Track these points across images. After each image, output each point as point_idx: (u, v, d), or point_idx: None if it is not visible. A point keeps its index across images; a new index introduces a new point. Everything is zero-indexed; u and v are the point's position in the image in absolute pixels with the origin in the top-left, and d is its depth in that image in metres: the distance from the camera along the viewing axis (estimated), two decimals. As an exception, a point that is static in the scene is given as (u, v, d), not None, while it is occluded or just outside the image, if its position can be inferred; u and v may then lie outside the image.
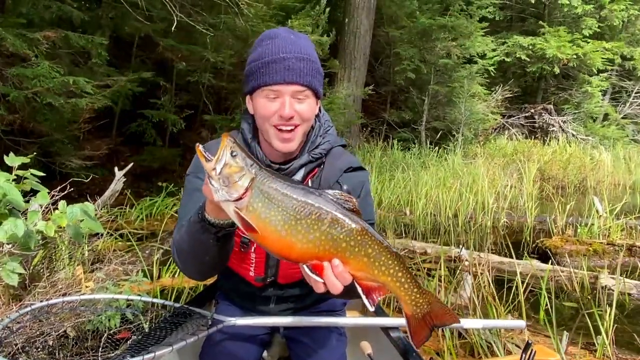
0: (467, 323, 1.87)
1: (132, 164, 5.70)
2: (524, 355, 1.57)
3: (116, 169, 5.55)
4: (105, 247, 4.11)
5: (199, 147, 1.09)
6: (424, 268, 4.47)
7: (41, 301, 1.80)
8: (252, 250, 1.63)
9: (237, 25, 7.19)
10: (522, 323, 1.88)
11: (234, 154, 1.05)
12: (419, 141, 12.46)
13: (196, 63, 7.67)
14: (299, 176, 1.58)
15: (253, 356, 1.80)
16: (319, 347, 1.77)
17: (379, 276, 1.11)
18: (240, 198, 1.04)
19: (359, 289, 1.11)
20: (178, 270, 4.01)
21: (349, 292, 1.13)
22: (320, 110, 1.63)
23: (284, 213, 1.05)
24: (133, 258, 4.10)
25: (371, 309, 1.14)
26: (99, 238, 3.77)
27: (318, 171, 1.60)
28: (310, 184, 1.58)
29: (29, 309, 1.68)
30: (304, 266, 1.10)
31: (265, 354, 1.92)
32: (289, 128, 1.43)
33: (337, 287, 1.10)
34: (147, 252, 4.40)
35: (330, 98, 9.21)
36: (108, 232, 4.50)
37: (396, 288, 1.13)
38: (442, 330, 3.15)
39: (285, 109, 1.39)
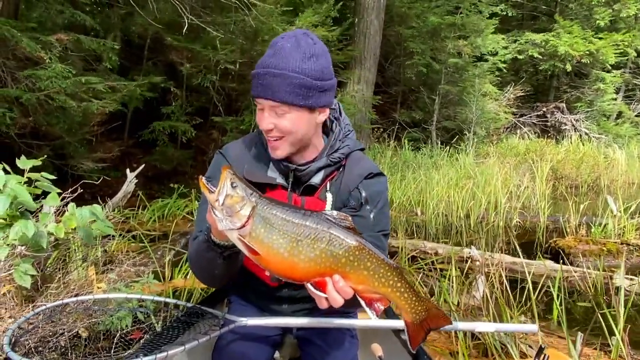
0: (479, 326, 1.85)
1: (143, 165, 5.73)
2: (537, 359, 1.56)
3: (128, 170, 5.58)
4: (118, 249, 4.14)
5: (202, 180, 1.17)
6: (436, 269, 4.44)
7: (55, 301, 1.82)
8: None
9: (247, 25, 7.20)
10: (534, 327, 1.85)
11: (234, 185, 1.13)
12: (430, 141, 12.40)
13: (205, 64, 7.70)
14: (316, 179, 1.60)
15: (265, 356, 1.80)
16: (331, 348, 1.76)
17: (379, 288, 1.18)
18: (243, 226, 1.12)
19: (362, 302, 1.18)
20: (190, 271, 4.03)
21: (353, 303, 1.21)
22: (340, 114, 1.70)
23: (285, 236, 1.12)
24: (145, 259, 4.13)
25: (373, 317, 1.20)
26: (110, 239, 3.79)
27: (337, 174, 1.63)
28: (328, 187, 1.61)
29: (43, 307, 1.71)
30: (308, 284, 1.17)
31: (277, 354, 1.92)
32: (273, 138, 1.51)
33: (338, 301, 1.17)
34: (159, 253, 4.42)
35: (340, 98, 9.20)
36: (120, 234, 4.54)
37: (396, 298, 1.20)
38: (456, 332, 3.14)
39: (262, 122, 1.49)
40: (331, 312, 1.79)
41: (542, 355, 1.54)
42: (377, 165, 1.69)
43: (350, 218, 1.20)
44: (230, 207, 1.11)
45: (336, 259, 1.14)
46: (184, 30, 6.08)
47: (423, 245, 5.29)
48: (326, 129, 1.69)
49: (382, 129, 12.26)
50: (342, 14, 11.20)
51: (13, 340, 1.54)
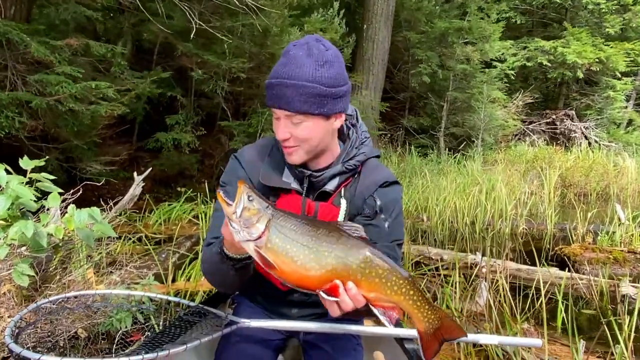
0: (482, 338, 1.84)
1: (150, 169, 5.76)
2: None
3: (135, 173, 5.62)
4: (122, 251, 4.17)
5: (220, 193, 1.22)
6: (440, 275, 4.42)
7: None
8: None
9: (255, 29, 7.25)
10: (538, 342, 1.84)
11: (250, 198, 1.18)
12: (438, 147, 12.37)
13: (214, 69, 7.74)
14: (331, 185, 1.61)
15: (268, 358, 1.80)
16: (337, 354, 1.76)
17: (392, 296, 1.20)
18: (259, 237, 1.17)
19: (375, 310, 1.21)
20: (193, 274, 4.05)
21: (365, 313, 1.27)
22: (358, 120, 1.71)
23: (299, 246, 1.17)
24: (149, 262, 4.15)
25: (389, 326, 1.22)
26: (114, 241, 3.81)
27: (352, 181, 1.64)
28: (342, 193, 1.61)
29: (46, 300, 1.73)
30: (321, 292, 1.21)
31: (280, 358, 1.92)
32: (288, 147, 1.52)
33: (349, 307, 1.21)
34: (163, 255, 4.44)
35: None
36: (126, 236, 4.57)
37: (409, 306, 1.21)
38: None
39: (278, 133, 1.50)
40: (338, 318, 1.80)
41: None
42: (392, 173, 1.69)
43: (362, 228, 1.25)
44: (247, 220, 1.17)
45: (349, 267, 1.18)
46: (191, 35, 6.12)
47: (427, 251, 5.26)
48: (342, 136, 1.69)
49: (389, 135, 12.26)
50: (352, 20, 11.27)
51: (16, 332, 1.55)
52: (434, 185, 8.42)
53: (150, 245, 4.43)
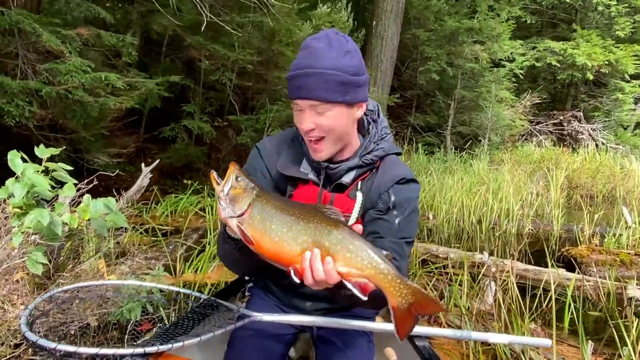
0: (493, 337, 1.86)
1: (158, 160, 5.77)
2: None
3: (143, 165, 5.63)
4: (130, 241, 4.18)
5: (213, 173, 1.30)
6: (447, 273, 4.42)
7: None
8: None
9: (264, 24, 7.24)
10: (548, 342, 1.84)
11: (238, 178, 1.26)
12: (444, 146, 12.34)
13: (222, 62, 7.74)
14: (347, 178, 1.61)
15: (279, 353, 1.81)
16: (349, 350, 1.77)
17: (363, 269, 1.23)
18: (242, 214, 1.25)
19: (348, 284, 1.24)
20: (200, 266, 4.07)
21: (376, 300, 1.30)
22: (379, 115, 1.71)
23: (278, 224, 1.24)
24: (157, 253, 4.17)
25: (363, 298, 1.23)
26: (124, 232, 3.83)
27: (370, 175, 1.64)
28: (359, 186, 1.63)
29: (60, 289, 1.74)
30: (290, 268, 1.27)
31: (292, 351, 1.93)
32: (314, 139, 1.52)
33: (322, 278, 1.23)
34: (170, 247, 4.45)
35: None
36: (133, 227, 4.58)
37: (379, 280, 1.23)
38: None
39: (303, 123, 1.50)
40: (351, 314, 1.80)
41: None
42: (410, 171, 1.68)
43: (339, 212, 1.29)
44: (233, 198, 1.25)
45: (321, 244, 1.23)
46: (202, 28, 6.11)
47: (435, 249, 5.26)
48: (363, 130, 1.70)
49: (395, 132, 12.22)
50: (361, 16, 11.24)
51: (31, 320, 1.57)
52: (440, 183, 8.40)
53: (159, 236, 4.44)
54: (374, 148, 1.63)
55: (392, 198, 1.58)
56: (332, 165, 1.60)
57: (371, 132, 1.67)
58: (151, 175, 5.69)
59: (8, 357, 2.26)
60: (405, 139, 12.33)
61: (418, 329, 1.93)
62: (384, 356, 1.94)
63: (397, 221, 1.57)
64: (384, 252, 1.25)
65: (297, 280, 1.26)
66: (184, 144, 7.83)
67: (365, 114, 1.67)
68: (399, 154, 1.73)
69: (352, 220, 1.59)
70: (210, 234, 4.77)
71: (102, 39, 5.61)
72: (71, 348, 1.36)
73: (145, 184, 5.67)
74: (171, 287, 1.92)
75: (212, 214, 5.63)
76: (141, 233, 4.68)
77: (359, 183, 1.63)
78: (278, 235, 1.24)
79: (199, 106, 7.98)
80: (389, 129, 1.72)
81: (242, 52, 7.34)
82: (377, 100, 10.76)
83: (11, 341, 2.30)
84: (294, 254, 1.24)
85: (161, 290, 2.17)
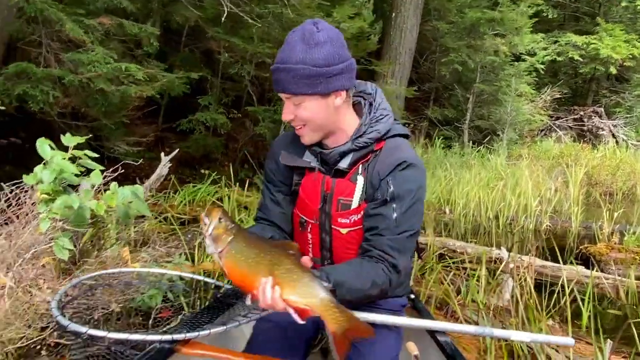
0: (514, 335, 1.85)
1: (177, 150, 5.82)
2: None
3: (162, 154, 5.68)
4: (150, 229, 4.24)
5: (202, 215, 1.46)
6: (465, 268, 4.41)
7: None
8: (309, 230, 1.75)
9: (284, 14, 7.21)
10: (571, 341, 1.84)
11: (221, 220, 1.43)
12: (462, 140, 12.25)
13: (241, 53, 7.74)
14: (344, 163, 1.64)
15: (302, 343, 1.83)
16: (376, 343, 1.75)
17: (305, 298, 1.40)
18: (222, 250, 1.43)
19: (290, 310, 1.40)
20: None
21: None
22: (374, 99, 1.71)
23: (245, 257, 1.42)
24: (176, 241, 4.22)
25: (300, 321, 1.40)
26: (144, 220, 3.88)
27: (371, 158, 1.65)
28: (360, 170, 1.64)
29: (87, 275, 1.81)
30: (252, 292, 1.44)
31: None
32: (297, 127, 1.62)
33: (268, 305, 1.39)
34: (189, 236, 4.50)
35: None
36: (153, 215, 4.64)
37: (318, 308, 1.39)
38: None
39: (283, 114, 1.61)
40: (379, 308, 1.81)
41: None
42: (415, 155, 1.66)
43: (296, 247, 1.46)
44: (215, 237, 1.42)
45: (273, 273, 1.40)
46: (222, 19, 6.12)
47: (452, 244, 5.24)
48: (361, 114, 1.71)
49: (412, 126, 12.16)
50: (381, 7, 11.15)
51: (61, 305, 1.61)
52: (457, 178, 8.36)
53: (176, 225, 4.49)
54: (367, 130, 1.63)
55: (391, 188, 1.57)
56: (325, 151, 1.65)
57: (364, 115, 1.67)
58: (170, 164, 5.75)
59: (35, 339, 2.32)
60: (422, 132, 12.26)
61: (440, 325, 1.94)
62: (405, 350, 1.95)
63: (394, 215, 1.56)
64: (325, 283, 1.41)
65: (249, 303, 1.47)
66: (202, 135, 7.87)
67: (363, 97, 1.71)
68: (405, 135, 1.72)
69: (354, 204, 1.65)
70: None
71: (123, 29, 5.66)
72: (101, 333, 1.40)
73: (165, 173, 5.72)
74: (196, 276, 1.96)
75: (229, 204, 5.67)
76: (160, 221, 4.74)
77: (360, 166, 1.64)
78: (244, 266, 1.42)
79: (216, 97, 8.00)
80: (389, 111, 1.70)
81: (261, 45, 7.34)
82: (395, 92, 10.71)
83: (37, 324, 2.36)
84: (254, 281, 1.41)
85: (181, 278, 2.21)
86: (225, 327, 1.55)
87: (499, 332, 1.84)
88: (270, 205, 1.80)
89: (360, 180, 1.63)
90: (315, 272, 1.45)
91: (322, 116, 1.57)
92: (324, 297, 1.39)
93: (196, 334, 1.48)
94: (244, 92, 8.52)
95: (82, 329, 1.41)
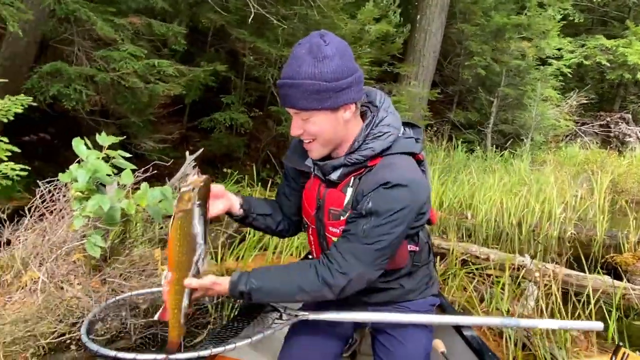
0: (542, 323, 1.85)
1: (202, 149, 5.87)
2: (614, 357, 1.59)
3: (187, 153, 5.74)
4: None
5: (193, 171, 1.55)
6: (489, 275, 4.38)
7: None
8: (310, 232, 1.80)
9: (310, 16, 7.24)
10: (600, 325, 1.82)
11: (194, 190, 1.48)
12: (485, 144, 12.12)
13: (265, 55, 7.79)
14: (334, 176, 1.64)
15: (336, 348, 1.85)
16: (408, 342, 1.79)
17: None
18: (176, 212, 1.52)
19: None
20: (242, 253, 4.16)
21: None
22: (377, 114, 1.64)
23: (180, 236, 1.51)
24: (200, 240, 4.26)
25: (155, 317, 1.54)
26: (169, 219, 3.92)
27: (364, 172, 1.62)
28: (351, 182, 1.63)
29: (119, 297, 1.94)
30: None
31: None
32: (306, 141, 1.62)
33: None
34: (212, 235, 4.55)
35: (397, 97, 9.12)
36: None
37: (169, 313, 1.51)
38: (507, 341, 3.11)
39: (292, 129, 1.60)
40: (405, 309, 1.82)
41: (622, 354, 1.54)
42: (408, 174, 1.56)
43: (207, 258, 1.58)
44: (180, 197, 1.49)
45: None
46: (249, 20, 6.17)
47: (475, 250, 5.20)
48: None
49: (435, 129, 12.08)
50: (405, 10, 11.09)
51: (90, 328, 1.68)
52: (479, 182, 8.28)
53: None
54: (360, 147, 1.60)
55: (369, 205, 1.52)
56: (320, 163, 1.66)
57: (360, 131, 1.62)
58: (195, 162, 5.81)
59: (66, 334, 2.38)
60: (445, 135, 12.17)
61: (465, 319, 1.94)
62: (432, 347, 1.96)
63: (364, 227, 1.53)
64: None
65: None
66: (225, 133, 7.94)
67: (369, 109, 1.67)
68: (411, 154, 1.65)
69: (343, 215, 1.63)
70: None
71: (152, 28, 5.75)
72: (129, 355, 1.42)
73: (189, 172, 5.78)
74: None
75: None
76: (184, 220, 4.79)
77: (352, 178, 1.63)
78: (175, 242, 1.48)
79: (239, 97, 8.06)
80: (393, 127, 1.63)
81: (286, 49, 7.38)
82: (418, 95, 10.66)
83: (68, 319, 2.42)
84: (172, 262, 1.50)
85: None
86: (250, 340, 1.58)
87: (525, 322, 1.83)
88: (281, 195, 1.92)
89: (349, 192, 1.63)
90: (234, 275, 1.56)
91: (331, 130, 1.56)
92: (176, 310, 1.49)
93: (222, 348, 1.52)
94: (267, 93, 8.57)
95: (111, 353, 1.45)
